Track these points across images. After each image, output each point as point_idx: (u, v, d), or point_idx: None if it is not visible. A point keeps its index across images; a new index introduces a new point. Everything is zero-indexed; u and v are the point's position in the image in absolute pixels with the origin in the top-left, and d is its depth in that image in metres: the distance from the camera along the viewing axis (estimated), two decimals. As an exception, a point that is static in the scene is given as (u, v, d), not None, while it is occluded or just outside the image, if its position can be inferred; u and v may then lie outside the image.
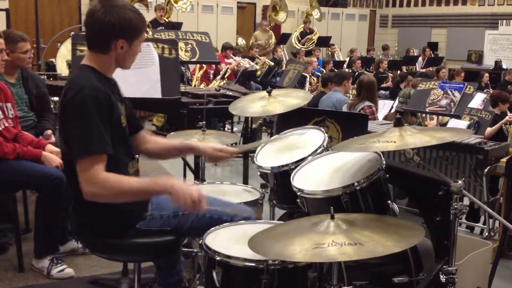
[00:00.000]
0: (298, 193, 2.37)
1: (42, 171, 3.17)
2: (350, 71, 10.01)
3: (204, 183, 3.09)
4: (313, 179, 2.42)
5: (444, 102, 4.47)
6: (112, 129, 2.12)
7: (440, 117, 5.29)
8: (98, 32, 2.14)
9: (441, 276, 2.19)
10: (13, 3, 9.96)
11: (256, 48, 11.14)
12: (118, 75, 2.28)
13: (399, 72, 11.12)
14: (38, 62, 7.58)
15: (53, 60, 5.91)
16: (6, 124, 3.27)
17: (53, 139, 3.55)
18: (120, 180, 2.06)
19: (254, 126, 6.21)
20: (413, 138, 2.04)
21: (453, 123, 5.13)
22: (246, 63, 9.56)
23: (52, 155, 3.28)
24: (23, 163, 3.18)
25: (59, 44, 6.23)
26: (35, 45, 8.65)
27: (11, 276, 3.28)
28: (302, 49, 12.57)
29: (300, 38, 13.35)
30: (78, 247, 3.54)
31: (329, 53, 12.93)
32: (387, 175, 2.33)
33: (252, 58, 10.41)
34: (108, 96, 2.13)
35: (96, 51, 2.18)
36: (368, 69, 11.21)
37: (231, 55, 9.61)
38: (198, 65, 8.51)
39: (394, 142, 2.03)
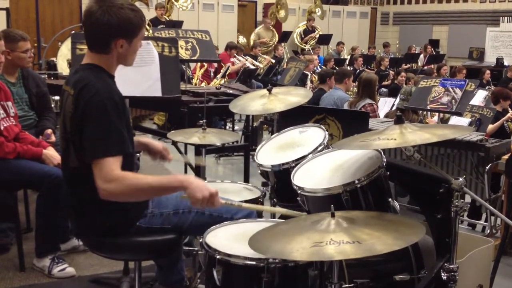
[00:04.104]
0: (299, 191, 2.36)
1: (43, 170, 3.17)
2: (352, 69, 9.99)
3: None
4: (313, 177, 2.41)
5: (445, 99, 4.46)
6: (126, 128, 2.13)
7: (441, 114, 5.29)
8: (97, 34, 2.13)
9: (442, 274, 2.18)
10: (13, 2, 9.95)
11: (259, 46, 11.12)
12: (118, 73, 2.27)
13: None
14: (39, 61, 7.57)
15: (54, 59, 5.90)
16: (9, 123, 3.27)
17: (53, 138, 3.55)
18: (138, 177, 2.05)
19: (255, 124, 6.21)
20: (413, 135, 2.03)
21: (454, 120, 5.13)
22: (250, 64, 9.54)
23: (52, 153, 3.28)
24: (24, 162, 3.18)
25: (60, 43, 6.22)
26: (35, 44, 8.66)
27: (12, 275, 3.28)
28: (304, 47, 12.54)
29: (303, 36, 13.32)
30: (79, 245, 3.54)
31: (331, 51, 12.91)
32: (388, 173, 2.32)
33: (255, 57, 10.39)
34: (121, 96, 2.13)
35: (97, 51, 2.17)
36: (369, 67, 11.18)
37: (235, 54, 9.60)
38: (199, 64, 8.50)
39: (395, 139, 2.02)
